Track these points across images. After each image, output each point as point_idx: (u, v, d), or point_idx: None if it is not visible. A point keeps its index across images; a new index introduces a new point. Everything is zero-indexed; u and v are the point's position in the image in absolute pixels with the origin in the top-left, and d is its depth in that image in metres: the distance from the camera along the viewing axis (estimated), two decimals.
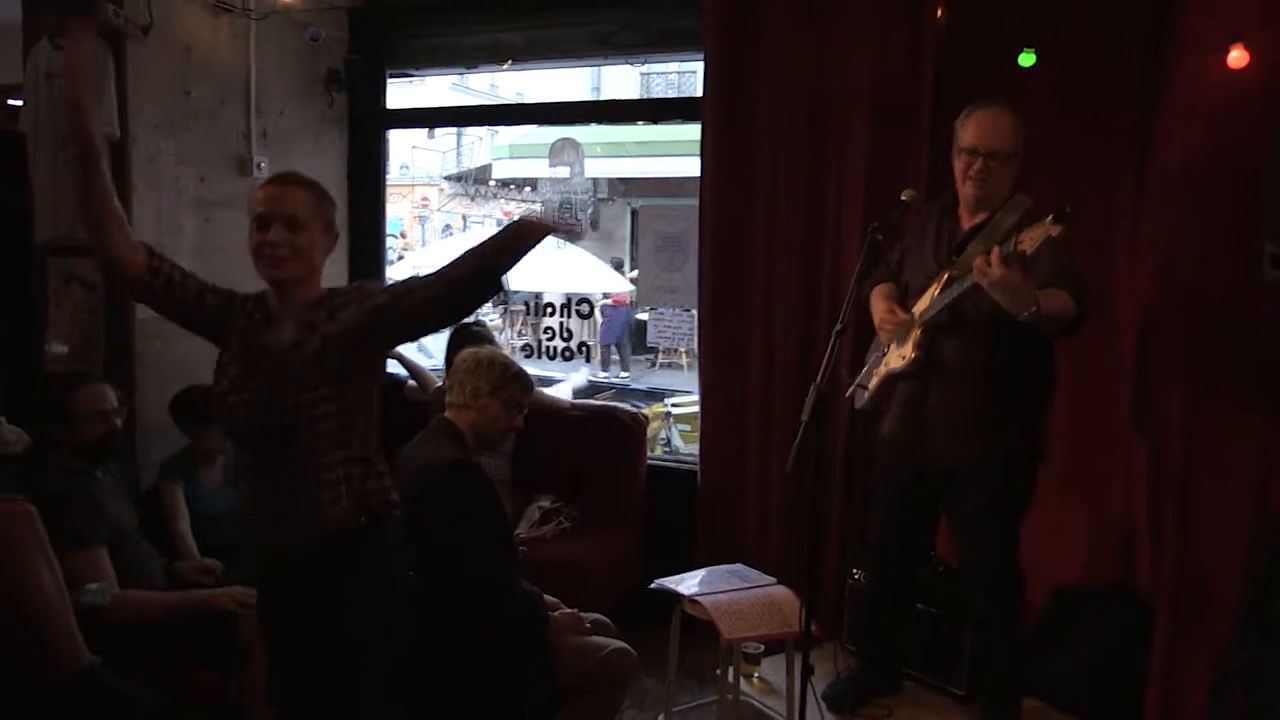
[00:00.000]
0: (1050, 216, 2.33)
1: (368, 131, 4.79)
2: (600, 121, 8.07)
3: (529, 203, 14.45)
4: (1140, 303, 3.17)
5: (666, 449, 6.47)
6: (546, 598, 2.83)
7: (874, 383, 2.95)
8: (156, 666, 2.76)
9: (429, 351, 6.01)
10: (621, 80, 12.93)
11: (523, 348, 4.72)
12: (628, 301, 10.55)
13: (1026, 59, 3.21)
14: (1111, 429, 3.28)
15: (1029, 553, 2.92)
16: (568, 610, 2.91)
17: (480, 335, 4.04)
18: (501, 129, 14.49)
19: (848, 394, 3.06)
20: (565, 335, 4.62)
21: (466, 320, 4.26)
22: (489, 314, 9.13)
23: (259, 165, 4.26)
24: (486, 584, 2.55)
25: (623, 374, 10.55)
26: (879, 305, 2.96)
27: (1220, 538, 2.92)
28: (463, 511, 2.51)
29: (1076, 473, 3.33)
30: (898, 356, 2.87)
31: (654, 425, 6.69)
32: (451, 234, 15.55)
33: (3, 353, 4.13)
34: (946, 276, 2.74)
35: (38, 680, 2.52)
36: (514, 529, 3.86)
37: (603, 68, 13.10)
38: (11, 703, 2.51)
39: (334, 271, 4.68)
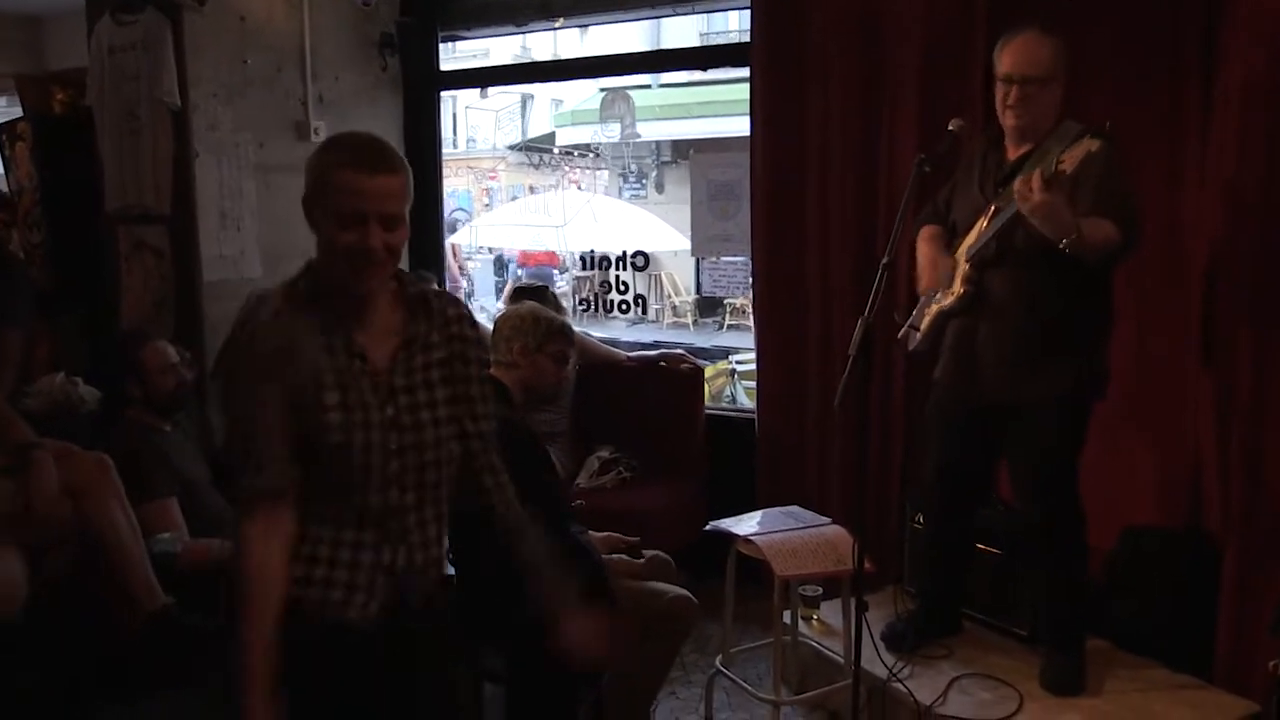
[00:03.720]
0: (1088, 134, 2.27)
1: (422, 93, 4.84)
2: (652, 70, 8.01)
3: (592, 169, 14.42)
4: (1208, 233, 3.06)
5: (731, 405, 6.47)
6: (603, 534, 2.87)
7: (926, 323, 2.91)
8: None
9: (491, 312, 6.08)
10: (682, 42, 12.81)
11: (580, 302, 4.75)
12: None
13: None
14: (1179, 365, 3.18)
15: (1096, 494, 2.86)
16: (620, 550, 2.93)
17: (545, 298, 4.05)
18: (565, 98, 14.48)
19: (900, 335, 3.01)
20: (621, 288, 4.63)
21: (533, 283, 4.31)
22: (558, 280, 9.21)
23: (316, 130, 4.35)
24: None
25: None
26: (923, 251, 2.91)
27: None
28: (514, 469, 2.54)
29: (1144, 411, 3.23)
30: (948, 294, 2.83)
31: (719, 382, 6.68)
32: (517, 199, 15.65)
33: (82, 318, 4.30)
34: (993, 209, 2.68)
35: (119, 617, 2.64)
36: (574, 479, 3.93)
37: (663, 34, 13.02)
38: (96, 638, 2.64)
39: None
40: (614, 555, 2.92)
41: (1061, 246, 2.42)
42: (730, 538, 2.93)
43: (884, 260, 2.57)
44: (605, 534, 2.91)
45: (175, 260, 4.01)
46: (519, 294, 4.15)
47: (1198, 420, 3.13)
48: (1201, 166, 3.09)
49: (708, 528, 3.05)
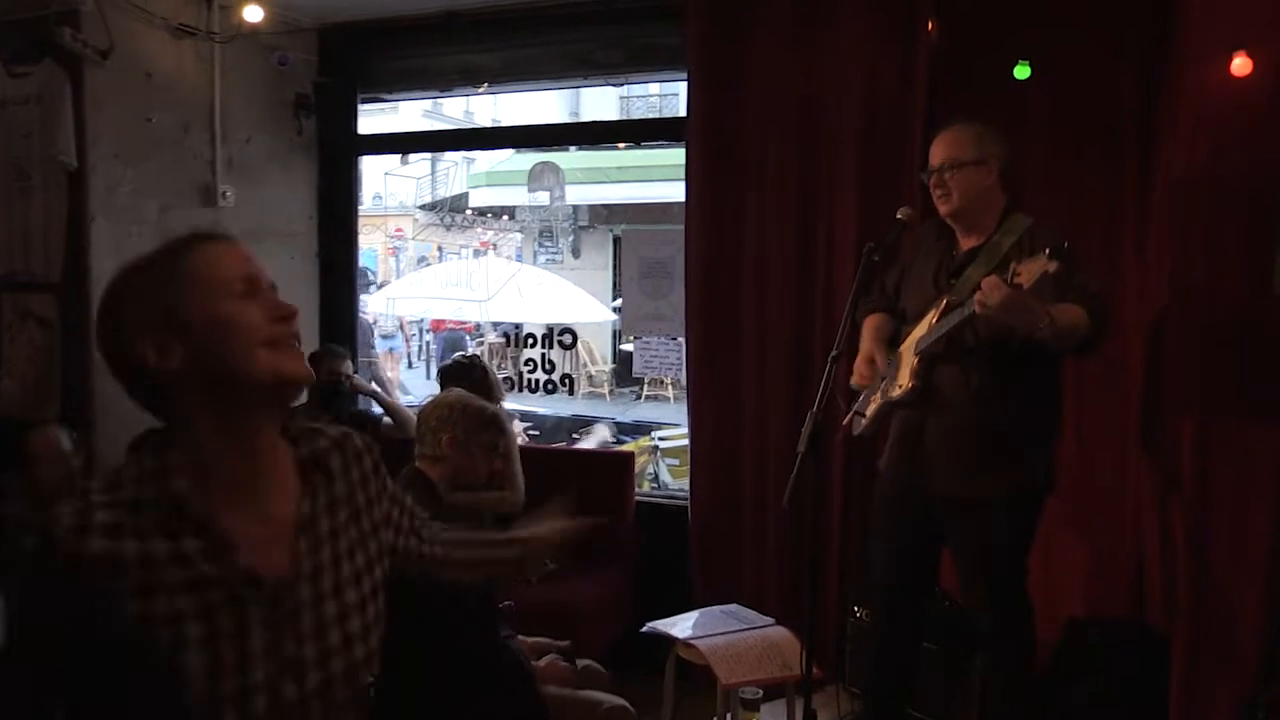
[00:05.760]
0: (1047, 251, 2.31)
1: (339, 157, 4.76)
2: (580, 144, 8.13)
3: (507, 231, 14.44)
4: (1148, 318, 3.16)
5: (655, 485, 6.42)
6: (535, 640, 2.78)
7: (871, 409, 2.92)
8: None
9: (405, 387, 5.95)
10: (601, 105, 12.94)
11: (503, 380, 4.67)
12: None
13: (1021, 71, 3.21)
14: (1120, 451, 3.26)
15: (1037, 586, 2.88)
16: (554, 657, 2.84)
17: (475, 369, 3.98)
18: (478, 157, 14.53)
19: (845, 421, 3.02)
20: (547, 367, 4.58)
21: (460, 355, 4.23)
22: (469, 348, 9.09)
23: (224, 194, 4.23)
24: (465, 646, 2.50)
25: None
26: (864, 344, 2.94)
27: (1238, 563, 2.89)
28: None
29: (1085, 499, 3.29)
30: (895, 385, 2.84)
31: (641, 460, 6.65)
32: (428, 264, 15.55)
33: None
34: (945, 303, 2.71)
35: None
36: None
37: (581, 93, 13.12)
38: None
39: (303, 305, 4.67)
40: (545, 657, 2.83)
41: (1039, 336, 2.44)
42: (669, 640, 2.86)
43: (832, 353, 2.58)
44: (535, 639, 2.82)
45: (64, 332, 3.82)
46: (447, 372, 4.06)
47: (1139, 509, 3.19)
48: (1140, 253, 3.19)
49: (644, 629, 2.98)
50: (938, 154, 2.77)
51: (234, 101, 4.33)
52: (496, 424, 2.74)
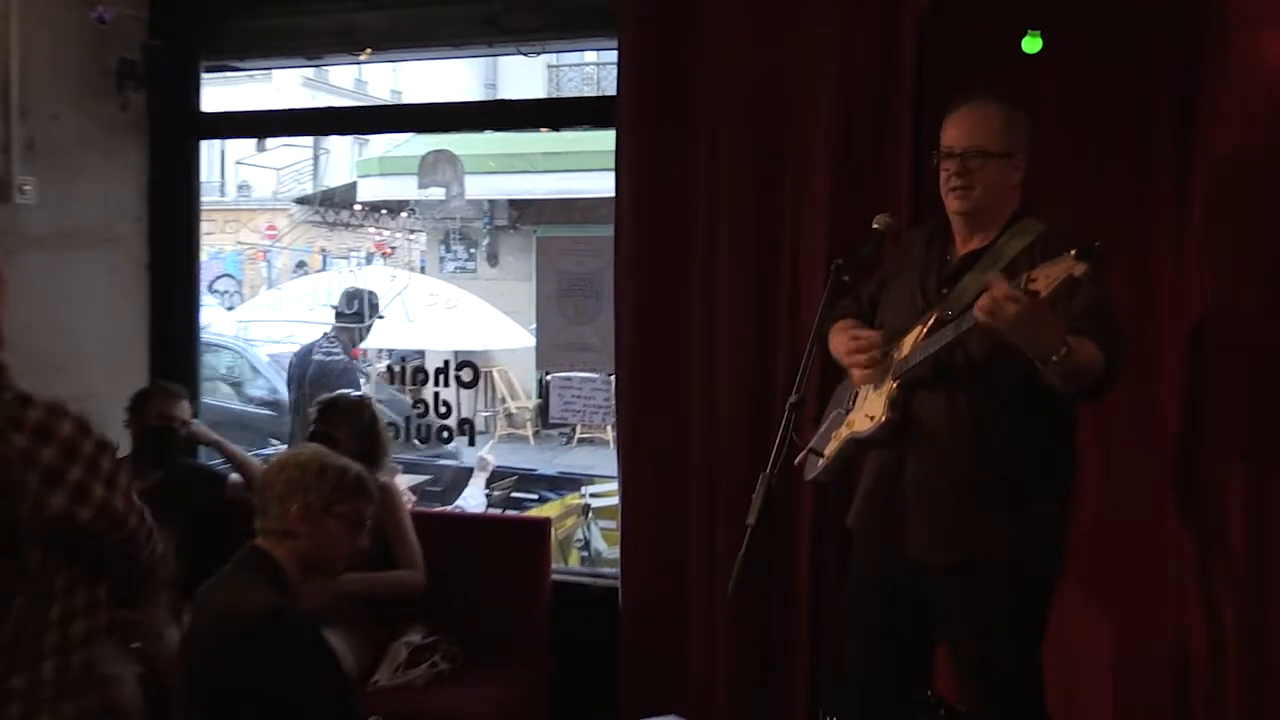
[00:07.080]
0: (1073, 251, 2.28)
1: (175, 141, 4.72)
2: (488, 128, 8.05)
3: (401, 231, 14.36)
4: (1188, 343, 3.17)
5: (585, 554, 6.36)
6: None
7: (832, 447, 2.88)
8: None
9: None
10: (523, 76, 12.99)
11: (388, 425, 4.61)
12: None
13: (1032, 44, 3.23)
14: (1154, 514, 3.25)
15: (1053, 694, 2.84)
16: None
17: (363, 412, 3.97)
18: (369, 139, 14.44)
19: (796, 461, 2.96)
20: (442, 410, 4.51)
21: (348, 391, 4.16)
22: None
23: (22, 188, 4.14)
24: None
25: None
26: (839, 339, 2.90)
27: None
28: (280, 676, 2.44)
29: (1108, 576, 3.29)
30: (864, 416, 2.80)
31: (568, 523, 6.58)
32: (306, 273, 15.42)
33: None
34: (935, 317, 2.69)
35: None
36: (371, 676, 3.74)
37: (499, 61, 13.13)
38: None
39: (129, 328, 4.58)
40: None
41: (1050, 365, 2.40)
42: None
43: (791, 399, 2.55)
44: None
45: None
46: (329, 407, 3.98)
47: (1181, 590, 3.19)
48: (1179, 261, 3.21)
49: None
50: (960, 136, 2.74)
51: (37, 69, 4.24)
52: (362, 490, 2.68)
